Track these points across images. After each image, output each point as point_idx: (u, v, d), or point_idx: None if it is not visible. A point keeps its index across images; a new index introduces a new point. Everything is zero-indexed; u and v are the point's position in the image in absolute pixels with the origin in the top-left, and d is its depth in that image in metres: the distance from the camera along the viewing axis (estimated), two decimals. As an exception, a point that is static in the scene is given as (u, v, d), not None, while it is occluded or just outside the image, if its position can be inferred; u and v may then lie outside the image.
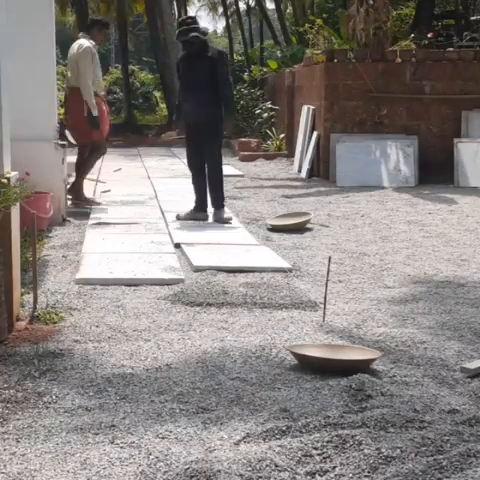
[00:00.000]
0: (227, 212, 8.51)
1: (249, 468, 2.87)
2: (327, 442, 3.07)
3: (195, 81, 8.21)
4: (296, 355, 4.13)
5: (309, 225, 8.32)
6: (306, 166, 13.33)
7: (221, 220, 8.25)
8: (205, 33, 8.40)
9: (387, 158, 12.35)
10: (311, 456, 2.98)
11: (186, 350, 4.31)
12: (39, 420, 3.35)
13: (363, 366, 4.00)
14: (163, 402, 3.56)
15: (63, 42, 41.98)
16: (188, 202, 8.65)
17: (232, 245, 7.16)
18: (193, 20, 8.48)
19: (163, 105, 31.47)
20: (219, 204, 8.35)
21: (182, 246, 6.99)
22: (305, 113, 14.02)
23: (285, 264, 6.43)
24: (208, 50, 8.25)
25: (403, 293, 5.70)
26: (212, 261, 6.42)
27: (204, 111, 8.14)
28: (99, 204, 9.34)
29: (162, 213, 8.96)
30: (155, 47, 24.54)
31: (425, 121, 12.72)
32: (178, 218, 8.36)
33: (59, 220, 8.18)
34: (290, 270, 6.23)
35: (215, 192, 8.34)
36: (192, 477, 2.80)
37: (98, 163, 14.73)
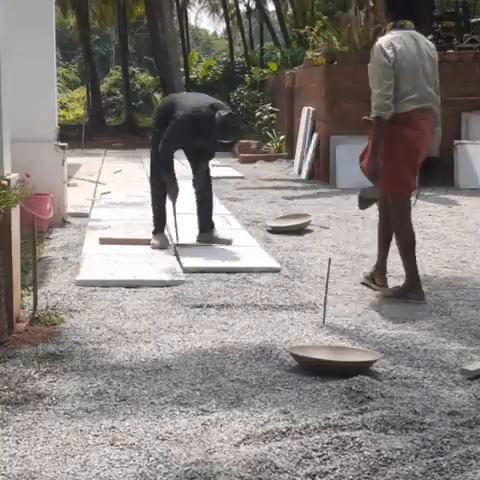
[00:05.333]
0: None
1: (249, 469, 2.86)
2: (327, 444, 3.07)
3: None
4: (296, 357, 4.13)
5: (309, 227, 8.32)
6: (306, 168, 13.34)
7: (222, 241, 7.17)
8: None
9: (387, 160, 12.34)
10: (311, 458, 2.98)
11: (186, 352, 4.31)
12: (39, 422, 3.35)
13: (363, 368, 4.00)
14: (163, 404, 3.56)
15: (64, 44, 42.00)
16: (188, 203, 8.59)
17: (226, 246, 7.16)
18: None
19: (163, 107, 31.46)
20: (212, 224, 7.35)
21: (176, 247, 6.98)
22: (305, 115, 14.03)
23: (275, 264, 6.45)
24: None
25: (403, 295, 5.70)
26: (202, 263, 6.43)
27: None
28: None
29: (162, 215, 8.95)
30: (155, 49, 24.55)
31: (425, 123, 12.70)
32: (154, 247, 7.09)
33: (59, 221, 8.18)
34: (278, 270, 6.27)
35: (211, 211, 7.39)
36: (192, 479, 2.80)
37: (98, 165, 14.79)
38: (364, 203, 5.77)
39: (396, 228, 5.62)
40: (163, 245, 7.06)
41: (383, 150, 5.43)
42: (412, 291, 5.52)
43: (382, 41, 5.45)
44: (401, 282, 6.10)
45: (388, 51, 5.39)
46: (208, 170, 7.40)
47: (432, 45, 5.77)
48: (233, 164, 15.13)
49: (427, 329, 4.83)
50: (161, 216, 7.28)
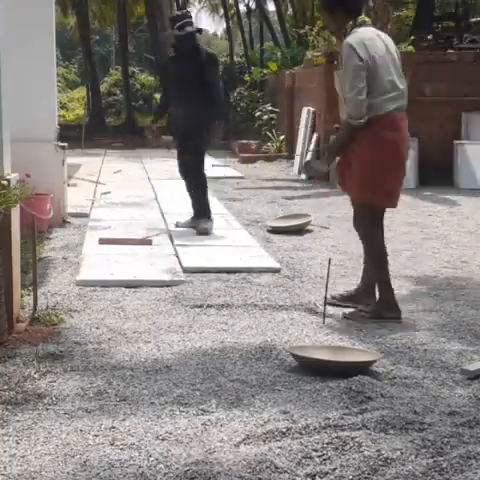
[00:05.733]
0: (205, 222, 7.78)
1: (249, 470, 2.86)
2: (327, 444, 3.07)
3: (185, 84, 7.67)
4: (296, 357, 4.13)
5: (309, 227, 8.32)
6: (306, 168, 13.34)
7: (199, 231, 7.69)
8: (200, 30, 8.10)
9: (387, 160, 12.34)
10: (311, 458, 2.98)
11: (186, 352, 4.31)
12: (39, 422, 3.35)
13: (363, 368, 4.00)
14: (163, 404, 3.56)
15: (64, 44, 42.02)
16: (188, 203, 8.61)
17: (226, 247, 7.17)
18: (190, 15, 8.00)
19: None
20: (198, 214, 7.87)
21: (177, 247, 7.00)
22: (305, 115, 14.03)
23: (275, 264, 6.46)
24: (200, 50, 7.75)
25: (403, 295, 5.70)
26: (202, 262, 6.43)
27: (192, 117, 7.56)
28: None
29: (162, 214, 8.97)
30: (155, 49, 24.58)
31: (425, 123, 12.71)
32: (177, 225, 8.01)
33: (59, 221, 8.18)
34: (278, 270, 6.28)
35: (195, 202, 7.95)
36: (192, 479, 2.80)
37: (98, 165, 14.79)
38: (311, 171, 5.72)
39: (366, 242, 5.13)
40: (210, 229, 7.74)
41: (364, 156, 4.99)
42: (389, 308, 5.06)
43: (351, 39, 4.97)
44: (402, 282, 6.09)
45: (360, 49, 4.92)
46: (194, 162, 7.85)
47: (390, 38, 5.38)
48: (233, 164, 15.13)
49: (427, 329, 4.83)
50: (206, 202, 7.90)
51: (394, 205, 5.21)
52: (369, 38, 5.03)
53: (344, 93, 5.02)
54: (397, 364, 4.15)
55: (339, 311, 5.19)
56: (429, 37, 14.76)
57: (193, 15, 8.66)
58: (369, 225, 5.08)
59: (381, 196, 5.05)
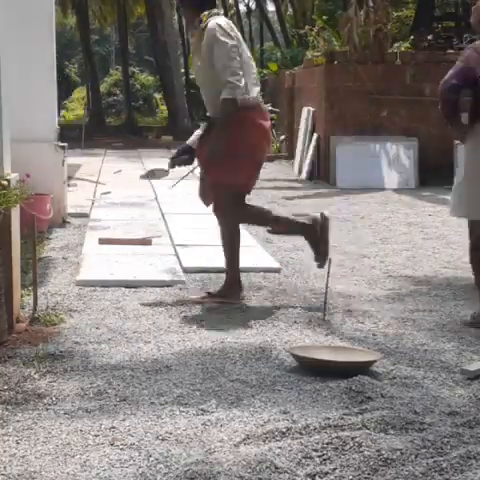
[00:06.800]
0: None
1: (249, 470, 2.86)
2: (327, 444, 3.07)
3: None
4: (296, 357, 4.13)
5: (309, 227, 8.30)
6: (306, 168, 13.35)
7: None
8: None
9: (387, 160, 12.36)
10: (311, 458, 2.98)
11: (186, 352, 4.31)
12: (39, 422, 3.34)
13: (363, 368, 4.00)
14: (163, 404, 3.55)
15: (64, 44, 42.08)
16: (188, 203, 8.63)
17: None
18: None
19: (163, 107, 31.56)
20: None
21: (177, 247, 7.01)
22: (305, 115, 14.03)
23: (275, 264, 6.46)
24: None
25: (403, 295, 5.70)
26: (202, 262, 6.42)
27: None
28: None
29: (162, 215, 8.97)
30: (155, 49, 24.60)
31: (425, 123, 12.72)
32: None
33: (59, 221, 8.18)
34: (278, 270, 6.27)
35: None
36: (192, 479, 2.79)
37: (98, 165, 14.78)
38: (152, 176, 5.57)
39: (228, 227, 5.28)
40: None
41: (231, 136, 4.97)
42: (233, 292, 5.33)
43: (221, 21, 4.93)
44: (402, 282, 6.10)
45: (232, 33, 4.92)
46: None
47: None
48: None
49: (427, 329, 4.83)
50: None
51: (249, 191, 5.31)
52: (232, 25, 5.03)
53: (219, 68, 4.89)
54: (397, 364, 4.15)
55: (340, 311, 5.20)
56: (429, 37, 14.75)
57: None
58: (232, 209, 5.18)
59: (241, 177, 5.12)
